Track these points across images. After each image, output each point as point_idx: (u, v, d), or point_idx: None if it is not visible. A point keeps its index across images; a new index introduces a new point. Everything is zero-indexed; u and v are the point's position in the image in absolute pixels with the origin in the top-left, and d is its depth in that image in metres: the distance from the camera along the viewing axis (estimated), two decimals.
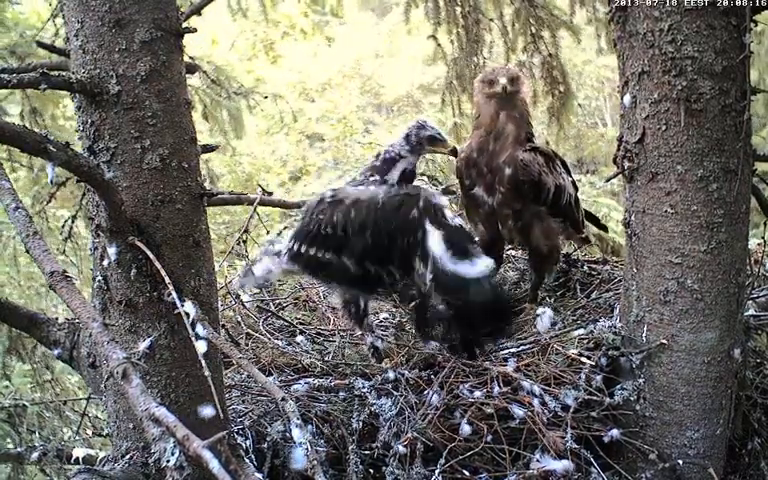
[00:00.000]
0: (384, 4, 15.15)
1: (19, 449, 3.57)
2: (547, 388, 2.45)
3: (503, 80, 2.99)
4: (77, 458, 2.67)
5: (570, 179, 3.20)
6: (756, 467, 2.70)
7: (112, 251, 1.94)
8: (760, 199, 2.59)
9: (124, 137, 1.91)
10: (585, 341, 2.65)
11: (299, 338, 3.16)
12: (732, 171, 2.20)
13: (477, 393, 2.46)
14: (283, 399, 1.73)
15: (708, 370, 2.33)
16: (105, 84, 1.88)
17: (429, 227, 2.50)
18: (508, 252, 3.68)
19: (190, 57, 3.51)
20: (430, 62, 5.66)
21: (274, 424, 2.41)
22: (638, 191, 2.33)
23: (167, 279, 1.87)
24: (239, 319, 3.27)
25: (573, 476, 2.29)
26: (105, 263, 1.98)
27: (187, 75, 2.06)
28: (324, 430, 2.41)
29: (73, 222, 2.92)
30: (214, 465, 1.27)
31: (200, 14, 2.65)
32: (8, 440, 4.38)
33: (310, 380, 2.68)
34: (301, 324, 3.35)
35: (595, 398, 2.42)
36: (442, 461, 2.30)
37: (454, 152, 2.99)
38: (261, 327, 3.21)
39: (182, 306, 1.88)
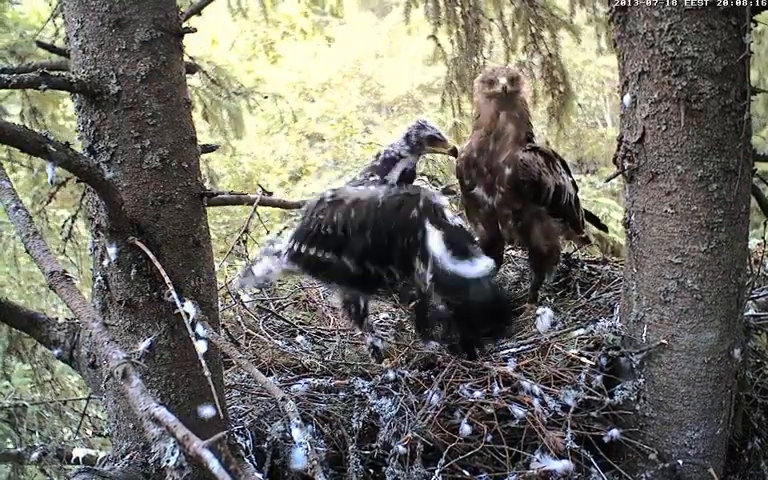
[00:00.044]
0: (384, 4, 15.15)
1: (19, 449, 3.57)
2: (547, 388, 2.45)
3: (503, 80, 2.99)
4: (77, 458, 2.67)
5: (570, 179, 3.20)
6: (756, 467, 2.70)
7: (112, 251, 1.94)
8: (760, 199, 2.59)
9: (124, 137, 1.91)
10: (585, 341, 2.65)
11: (299, 338, 3.16)
12: (732, 171, 2.20)
13: (477, 393, 2.46)
14: (283, 399, 1.73)
15: (708, 370, 2.33)
16: (105, 84, 1.88)
17: (429, 227, 2.50)
18: (508, 252, 3.68)
19: (190, 57, 3.51)
20: (430, 62, 5.66)
21: (274, 424, 2.41)
22: (638, 191, 2.33)
23: (167, 279, 1.87)
24: (239, 319, 3.27)
25: (573, 476, 2.29)
26: (105, 263, 1.98)
27: (187, 75, 2.06)
28: (324, 430, 2.41)
29: (73, 222, 2.92)
30: (214, 465, 1.27)
31: (200, 14, 2.65)
32: (8, 440, 4.38)
33: (310, 380, 2.68)
34: (301, 324, 3.35)
35: (595, 398, 2.42)
36: (442, 461, 2.30)
37: (454, 152, 2.99)
38: (261, 327, 3.21)
39: (182, 306, 1.88)
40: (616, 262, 3.62)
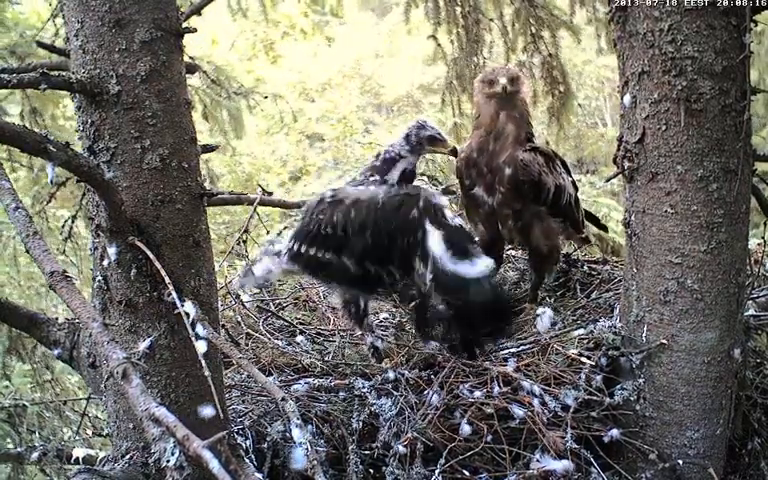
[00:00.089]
0: (384, 4, 15.15)
1: (19, 449, 3.57)
2: (547, 388, 2.45)
3: (503, 80, 2.99)
4: (77, 458, 2.67)
5: (570, 179, 3.20)
6: (756, 467, 2.70)
7: (112, 251, 1.94)
8: (760, 199, 2.59)
9: (124, 137, 1.91)
10: (585, 341, 2.65)
11: (299, 338, 3.16)
12: (732, 171, 2.20)
13: (477, 393, 2.46)
14: (283, 399, 1.73)
15: (708, 370, 2.33)
16: (105, 84, 1.88)
17: (429, 227, 2.50)
18: (508, 252, 3.68)
19: (190, 57, 3.51)
20: (430, 62, 5.66)
21: (274, 424, 2.41)
22: (638, 191, 2.33)
23: (167, 279, 1.87)
24: (239, 319, 3.27)
25: (573, 476, 2.29)
26: (105, 263, 1.98)
27: (187, 75, 2.06)
28: (324, 430, 2.41)
29: (73, 222, 2.92)
30: (214, 465, 1.27)
31: (200, 14, 2.65)
32: (8, 440, 4.38)
33: (310, 380, 2.68)
34: (301, 324, 3.35)
35: (595, 398, 2.41)
36: (442, 461, 2.30)
37: (454, 152, 2.99)
38: (261, 327, 3.21)
39: (182, 306, 1.88)
40: (616, 262, 3.62)
